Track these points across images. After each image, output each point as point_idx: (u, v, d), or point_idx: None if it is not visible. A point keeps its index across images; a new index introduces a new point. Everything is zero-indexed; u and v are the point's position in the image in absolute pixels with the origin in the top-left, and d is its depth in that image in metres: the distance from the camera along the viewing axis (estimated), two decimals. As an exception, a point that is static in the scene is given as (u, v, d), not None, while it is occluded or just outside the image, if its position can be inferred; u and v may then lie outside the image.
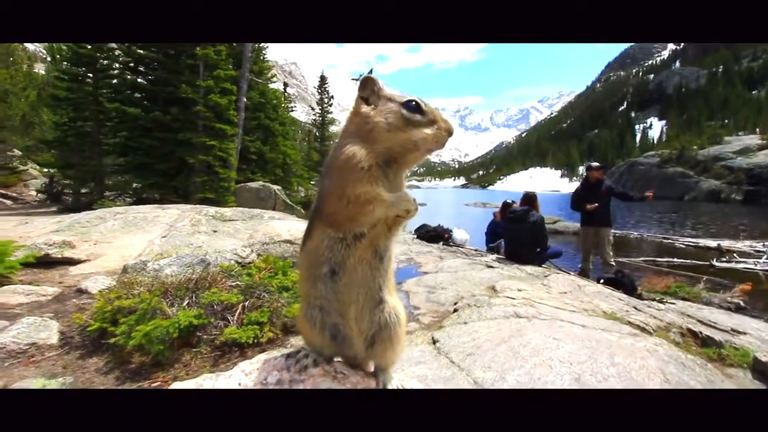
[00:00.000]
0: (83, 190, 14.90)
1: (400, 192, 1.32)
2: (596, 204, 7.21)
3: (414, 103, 1.32)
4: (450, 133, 1.36)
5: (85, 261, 5.07)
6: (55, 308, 3.45)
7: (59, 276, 4.50)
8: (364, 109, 1.33)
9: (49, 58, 29.26)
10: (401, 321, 1.44)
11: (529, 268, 6.05)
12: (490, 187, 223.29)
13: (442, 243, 9.09)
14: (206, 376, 1.43)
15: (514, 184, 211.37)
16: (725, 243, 15.13)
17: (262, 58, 22.10)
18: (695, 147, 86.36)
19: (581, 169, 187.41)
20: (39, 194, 16.59)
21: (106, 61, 15.08)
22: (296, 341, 2.96)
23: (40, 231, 6.39)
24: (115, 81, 15.16)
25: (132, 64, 15.09)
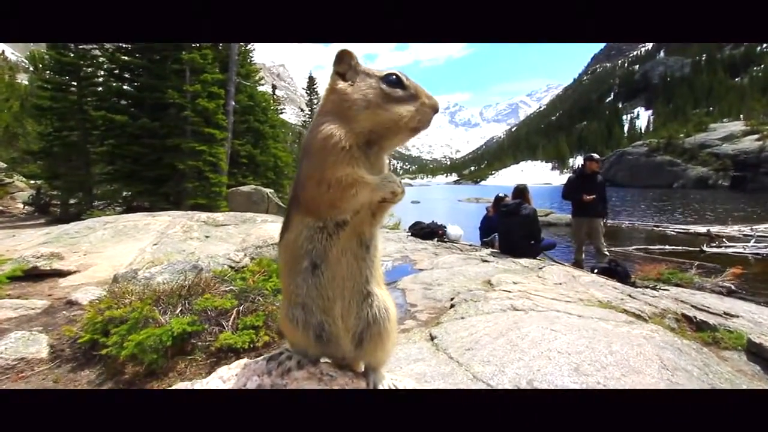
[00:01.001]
0: (71, 201, 14.64)
1: (385, 173, 1.22)
2: (594, 195, 7.32)
3: (394, 77, 1.21)
4: (435, 109, 1.23)
5: (74, 272, 4.98)
6: (45, 321, 3.37)
7: (48, 288, 4.41)
8: (341, 85, 1.23)
9: (31, 68, 28.73)
10: (391, 316, 1.34)
11: (524, 261, 6.07)
12: (483, 182, 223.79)
13: (436, 239, 9.09)
14: (180, 384, 1.38)
15: (507, 179, 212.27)
16: (714, 228, 15.36)
17: (249, 60, 21.93)
18: (682, 135, 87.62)
19: (571, 161, 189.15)
20: (26, 206, 16.27)
21: (90, 69, 14.80)
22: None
23: (28, 243, 6.25)
24: (100, 89, 14.88)
25: (117, 71, 14.84)
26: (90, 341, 2.74)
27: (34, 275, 4.60)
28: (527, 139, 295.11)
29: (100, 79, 15.13)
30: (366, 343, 1.30)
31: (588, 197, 7.32)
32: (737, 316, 3.97)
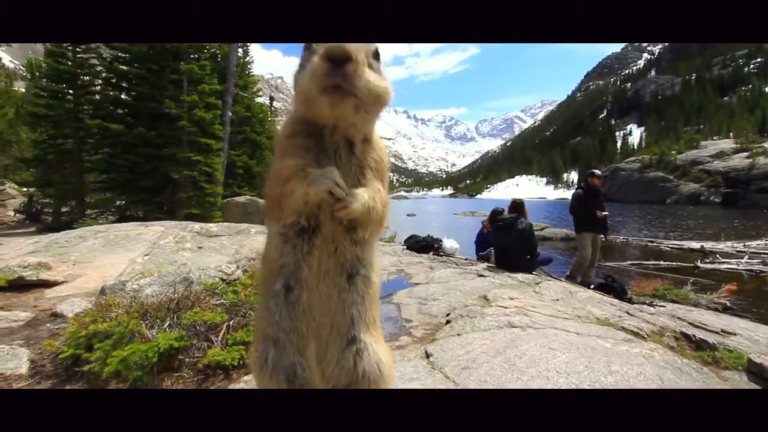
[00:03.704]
0: (64, 209, 14.51)
1: (327, 168, 0.98)
2: (606, 212, 7.70)
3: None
4: (326, 57, 0.88)
5: (62, 283, 4.85)
6: (27, 334, 3.25)
7: (34, 300, 4.28)
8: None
9: (28, 76, 28.72)
10: (385, 372, 1.05)
11: (520, 276, 6.02)
12: (478, 196, 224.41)
13: (432, 253, 9.02)
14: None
15: (502, 193, 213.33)
16: (708, 244, 15.44)
17: (247, 72, 22.11)
18: (674, 152, 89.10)
19: (566, 177, 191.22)
20: (17, 214, 16.09)
21: (87, 78, 14.85)
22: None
23: (16, 252, 6.11)
24: (96, 97, 14.91)
25: (114, 80, 14.87)
26: (72, 356, 2.63)
27: (19, 285, 4.47)
28: (522, 154, 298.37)
29: (97, 88, 15.18)
30: None
31: (602, 213, 7.59)
32: (735, 334, 3.94)
